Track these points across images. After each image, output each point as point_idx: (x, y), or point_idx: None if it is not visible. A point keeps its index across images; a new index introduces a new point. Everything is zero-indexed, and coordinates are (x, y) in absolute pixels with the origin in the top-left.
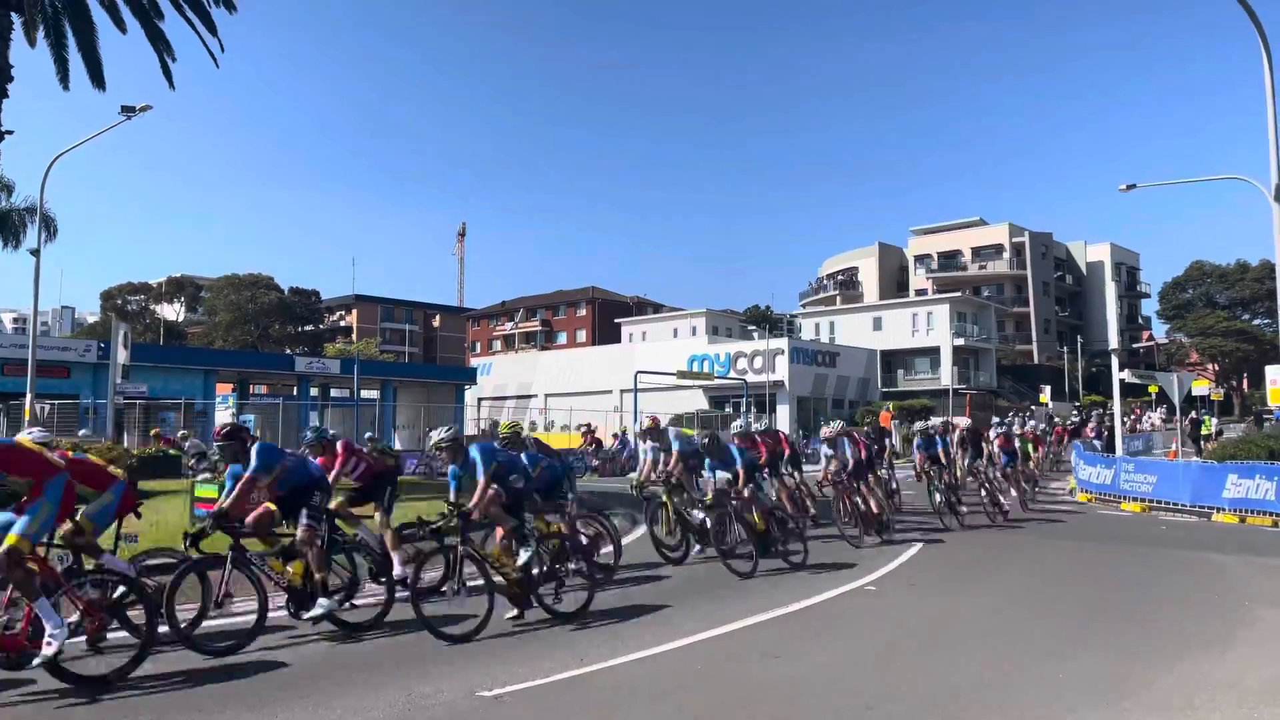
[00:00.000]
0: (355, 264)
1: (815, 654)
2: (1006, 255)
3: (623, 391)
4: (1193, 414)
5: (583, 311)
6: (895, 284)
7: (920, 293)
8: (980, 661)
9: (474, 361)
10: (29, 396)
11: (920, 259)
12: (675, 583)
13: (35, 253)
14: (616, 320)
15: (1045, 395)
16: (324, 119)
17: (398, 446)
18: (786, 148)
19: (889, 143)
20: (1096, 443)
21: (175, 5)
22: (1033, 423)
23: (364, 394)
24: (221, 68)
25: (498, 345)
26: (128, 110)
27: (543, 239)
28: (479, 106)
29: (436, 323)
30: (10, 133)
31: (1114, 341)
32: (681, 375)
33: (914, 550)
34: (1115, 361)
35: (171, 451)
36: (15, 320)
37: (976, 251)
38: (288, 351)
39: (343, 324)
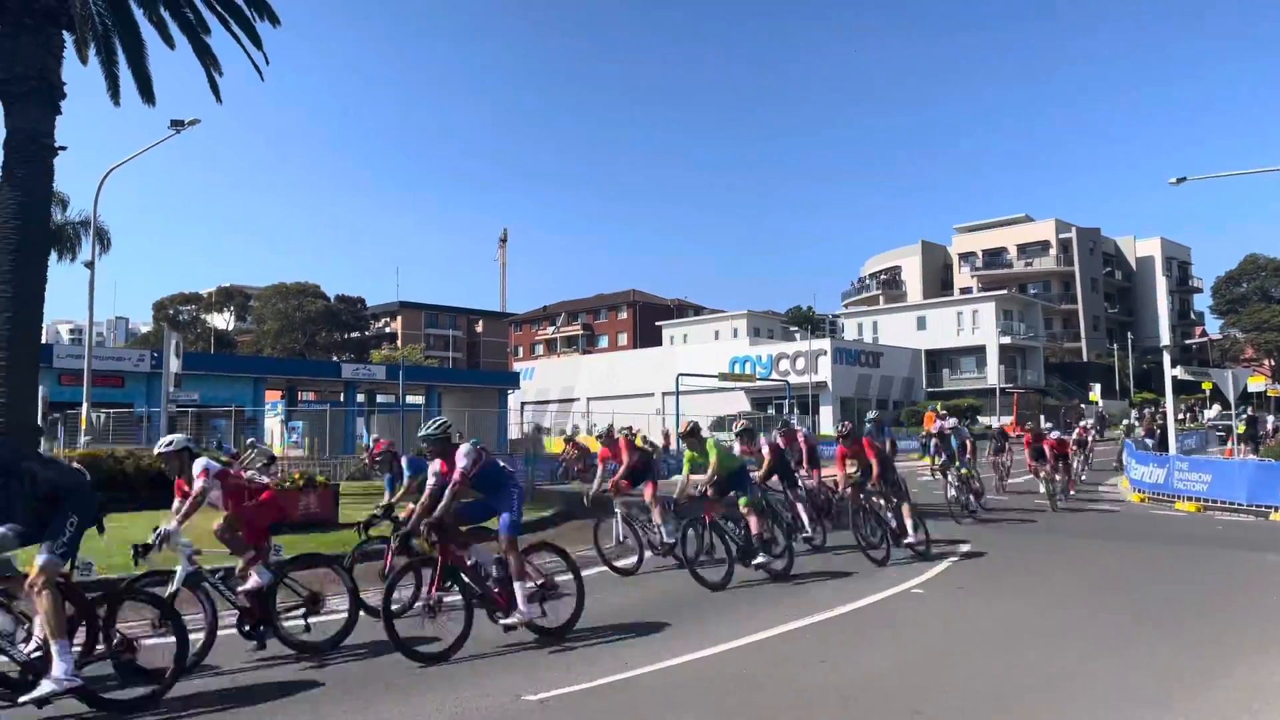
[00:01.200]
0: (399, 272)
1: (861, 658)
2: (1053, 251)
3: (664, 394)
4: (1248, 411)
5: (624, 315)
6: (939, 283)
7: (965, 291)
8: (1029, 664)
9: (516, 366)
10: (85, 405)
11: (964, 257)
12: (712, 589)
13: (90, 265)
14: (657, 323)
15: (1095, 393)
16: (366, 129)
17: None
18: (826, 147)
19: (932, 140)
20: (1149, 441)
21: (221, 20)
22: (1088, 422)
23: (409, 399)
24: (266, 79)
25: (540, 349)
26: (177, 124)
27: (583, 243)
28: (519, 112)
29: (479, 328)
30: (64, 148)
31: (1166, 338)
32: (723, 377)
33: (962, 552)
34: (1167, 358)
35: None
36: (72, 331)
37: (1022, 248)
38: (334, 358)
39: (388, 330)
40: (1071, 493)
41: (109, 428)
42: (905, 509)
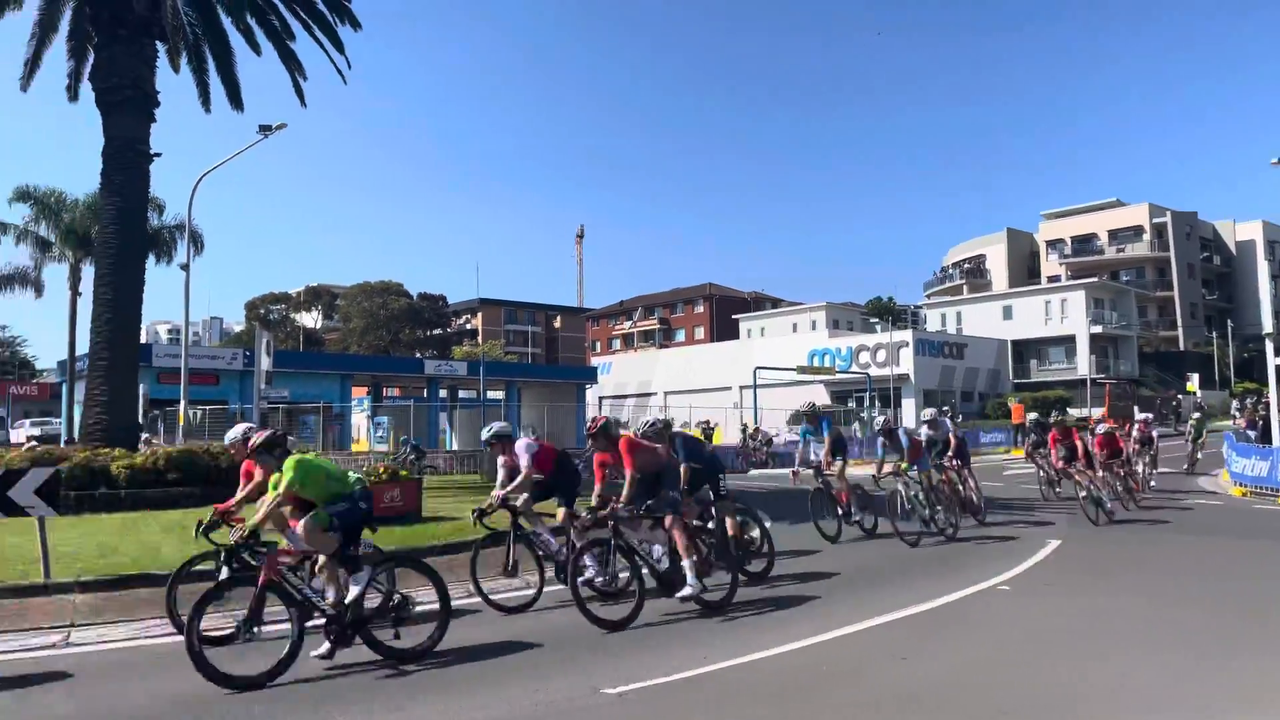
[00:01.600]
0: (479, 269)
1: (944, 655)
2: (1147, 237)
3: (742, 388)
4: None
5: (700, 308)
6: (1026, 271)
7: (1053, 279)
8: (1122, 664)
9: (594, 361)
10: (183, 403)
11: (1052, 244)
12: (797, 583)
13: (185, 267)
14: (734, 316)
15: (1193, 383)
16: (445, 129)
17: None
18: (907, 133)
19: (1017, 125)
20: (1251, 433)
21: (305, 26)
22: (1149, 416)
23: (490, 395)
24: (347, 83)
25: (617, 344)
26: (265, 129)
27: (660, 238)
28: (594, 108)
29: (557, 324)
30: (159, 155)
31: (1268, 325)
32: (801, 370)
33: (1051, 548)
34: (1270, 346)
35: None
36: (170, 331)
37: (1114, 234)
38: (417, 355)
39: (468, 327)
40: (1136, 499)
41: (205, 424)
42: (681, 542)
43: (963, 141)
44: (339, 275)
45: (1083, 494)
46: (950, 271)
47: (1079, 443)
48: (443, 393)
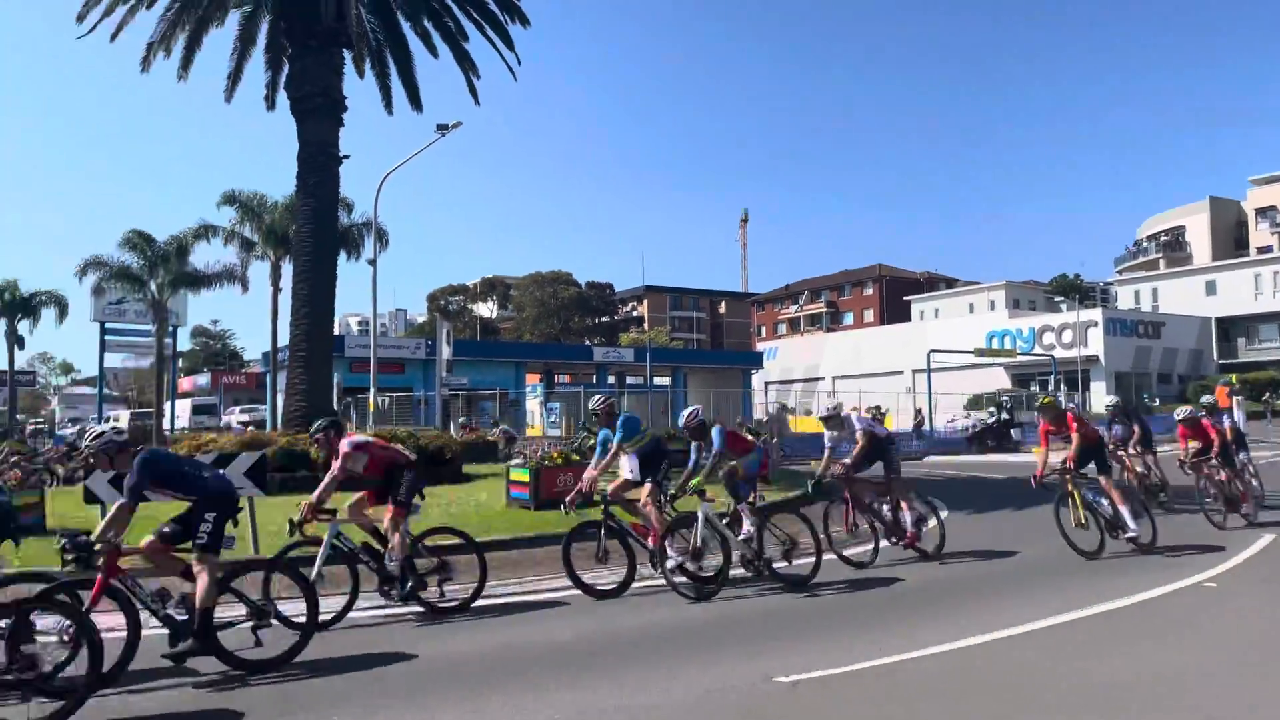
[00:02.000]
0: (644, 257)
1: (1141, 656)
2: None
3: (914, 372)
4: None
5: (869, 291)
6: (1231, 242)
7: (1263, 250)
8: None
9: (760, 346)
10: (372, 390)
11: (1262, 212)
12: (976, 574)
13: (372, 262)
14: (905, 298)
15: None
16: (610, 121)
17: None
18: (1092, 96)
19: (1219, 84)
20: None
21: (477, 26)
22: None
23: (657, 380)
24: (517, 79)
25: (783, 329)
26: (442, 128)
27: (825, 219)
28: (756, 91)
29: (722, 309)
30: (347, 157)
31: None
32: (979, 353)
33: (1264, 543)
34: None
35: (489, 438)
36: (360, 323)
37: None
38: (586, 342)
39: (635, 314)
40: (1243, 510)
41: (392, 410)
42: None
43: (1156, 104)
44: (512, 266)
45: (1072, 515)
46: (1145, 245)
47: (1075, 435)
48: (611, 379)
